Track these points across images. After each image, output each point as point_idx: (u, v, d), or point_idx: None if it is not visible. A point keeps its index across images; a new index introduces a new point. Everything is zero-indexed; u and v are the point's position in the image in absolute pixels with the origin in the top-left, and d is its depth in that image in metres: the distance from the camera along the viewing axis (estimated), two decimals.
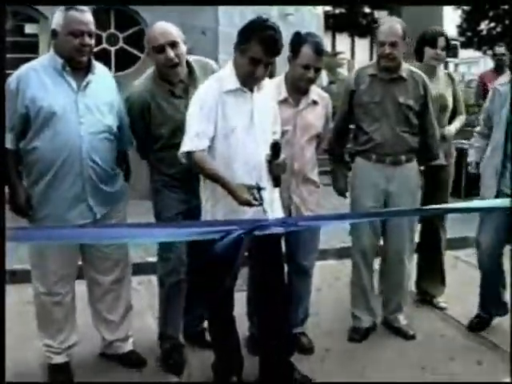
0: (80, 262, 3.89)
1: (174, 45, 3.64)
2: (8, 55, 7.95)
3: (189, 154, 3.32)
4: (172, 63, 3.65)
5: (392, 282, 4.50)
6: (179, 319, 4.07)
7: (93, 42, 3.55)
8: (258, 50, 3.21)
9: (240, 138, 3.34)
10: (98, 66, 3.72)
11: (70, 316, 3.85)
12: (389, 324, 4.56)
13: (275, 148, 3.38)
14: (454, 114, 4.88)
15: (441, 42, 4.73)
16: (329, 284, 5.52)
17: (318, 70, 3.85)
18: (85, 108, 3.53)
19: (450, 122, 4.84)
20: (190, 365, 4.03)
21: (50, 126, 3.47)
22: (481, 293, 4.51)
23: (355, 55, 28.71)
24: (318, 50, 3.78)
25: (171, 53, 3.62)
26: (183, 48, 3.70)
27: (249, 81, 3.34)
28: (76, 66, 3.54)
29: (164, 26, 3.70)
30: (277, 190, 3.60)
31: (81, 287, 3.96)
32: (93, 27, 3.53)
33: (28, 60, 3.67)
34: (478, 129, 4.56)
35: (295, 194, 3.98)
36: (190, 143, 3.31)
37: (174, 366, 3.97)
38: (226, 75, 3.38)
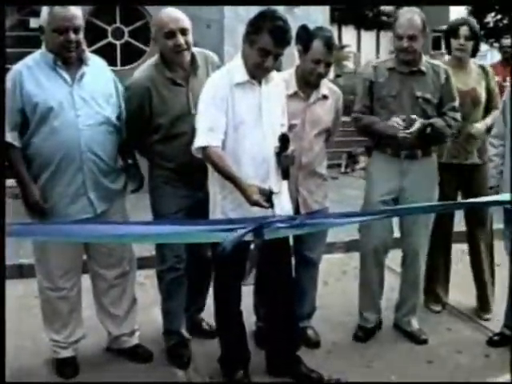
0: (84, 257, 3.88)
1: (184, 31, 3.59)
2: (13, 49, 7.97)
3: (204, 149, 3.30)
4: (181, 49, 3.60)
5: (408, 280, 4.41)
6: (182, 313, 4.07)
7: (81, 36, 3.48)
8: (267, 40, 3.20)
9: (248, 131, 3.33)
10: (93, 58, 3.69)
11: (76, 311, 3.84)
12: (400, 327, 4.45)
13: (283, 140, 3.38)
14: (489, 110, 4.61)
15: (463, 31, 4.47)
16: (336, 277, 5.51)
17: (328, 65, 3.82)
18: (81, 100, 3.51)
19: (484, 118, 4.59)
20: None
21: (47, 121, 3.45)
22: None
23: (361, 48, 28.61)
24: (329, 45, 3.75)
25: (181, 39, 3.57)
26: (191, 36, 3.67)
27: (258, 72, 3.33)
28: (67, 61, 3.51)
29: (175, 12, 3.66)
30: (285, 182, 3.59)
31: (87, 281, 3.95)
32: (79, 21, 3.45)
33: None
34: (495, 130, 4.30)
35: (302, 186, 3.96)
36: (204, 138, 3.30)
37: (180, 361, 3.97)
38: (235, 68, 3.37)
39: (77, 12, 3.46)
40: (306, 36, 3.80)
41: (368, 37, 28.46)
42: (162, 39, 3.63)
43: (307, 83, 3.89)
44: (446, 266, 4.83)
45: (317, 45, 3.74)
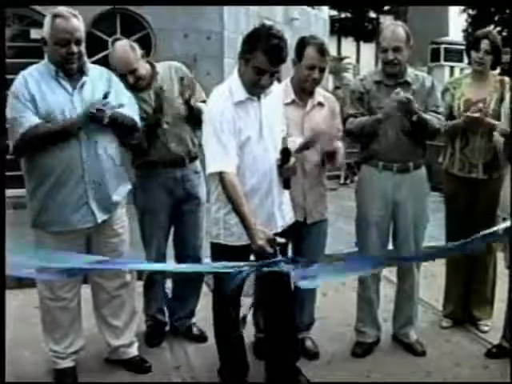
0: None
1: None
2: (14, 60, 8.00)
3: (219, 173, 3.27)
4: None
5: (402, 291, 4.43)
6: (161, 303, 4.45)
7: (82, 47, 3.53)
8: (262, 60, 3.18)
9: (252, 147, 3.35)
10: (93, 68, 3.72)
11: (76, 321, 3.85)
12: (399, 339, 4.46)
13: (285, 153, 3.42)
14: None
15: (484, 44, 4.43)
16: (335, 289, 5.50)
17: (322, 71, 3.88)
18: (81, 109, 3.52)
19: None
20: (178, 358, 4.22)
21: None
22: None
23: (361, 60, 28.72)
24: (322, 50, 3.83)
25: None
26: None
27: (255, 90, 3.34)
28: (69, 72, 3.54)
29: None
30: (286, 192, 3.62)
31: (87, 292, 3.96)
32: (80, 34, 3.50)
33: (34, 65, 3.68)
34: None
35: (309, 195, 4.01)
36: (219, 163, 3.27)
37: (154, 339, 4.37)
38: (234, 87, 3.36)
39: (78, 24, 3.50)
40: (298, 45, 3.89)
41: (367, 48, 28.60)
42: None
43: (303, 90, 3.95)
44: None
45: (310, 51, 3.82)
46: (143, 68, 4.07)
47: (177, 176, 4.15)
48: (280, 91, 3.72)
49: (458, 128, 4.45)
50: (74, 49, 3.48)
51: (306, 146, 3.79)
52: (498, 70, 4.77)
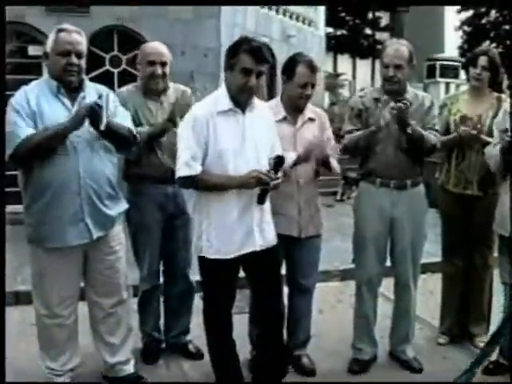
0: (82, 285, 3.89)
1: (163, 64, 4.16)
2: (12, 76, 8.02)
3: (186, 178, 3.42)
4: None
5: (399, 308, 4.43)
6: (157, 320, 4.49)
7: (82, 62, 3.59)
8: (247, 59, 3.32)
9: (232, 157, 3.41)
10: (90, 85, 3.75)
11: (72, 338, 3.84)
12: (396, 356, 4.46)
13: (278, 160, 3.41)
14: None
15: (481, 61, 4.49)
16: (331, 305, 5.51)
17: (313, 86, 3.98)
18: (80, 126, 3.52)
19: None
20: (174, 375, 4.24)
21: None
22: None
23: (357, 76, 28.82)
24: (312, 67, 3.94)
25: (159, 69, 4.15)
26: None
27: (243, 95, 3.41)
28: (69, 86, 3.58)
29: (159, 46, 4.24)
30: (268, 212, 3.63)
31: (84, 309, 3.95)
32: (82, 47, 3.58)
33: (32, 81, 3.71)
34: None
35: (304, 209, 4.05)
36: (184, 169, 3.41)
37: (150, 356, 4.38)
38: (219, 97, 3.47)
39: (81, 38, 3.58)
40: (289, 64, 3.98)
41: (363, 65, 28.75)
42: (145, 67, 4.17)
43: (295, 107, 4.02)
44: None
45: (301, 69, 3.91)
46: (168, 70, 4.21)
47: (168, 192, 4.18)
48: (269, 109, 3.76)
49: (454, 143, 4.47)
50: (75, 60, 3.54)
51: (299, 162, 3.85)
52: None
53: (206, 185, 3.42)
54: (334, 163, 4.08)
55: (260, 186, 3.35)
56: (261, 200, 3.45)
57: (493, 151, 4.08)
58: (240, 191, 3.42)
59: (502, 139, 3.92)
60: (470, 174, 4.52)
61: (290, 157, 3.81)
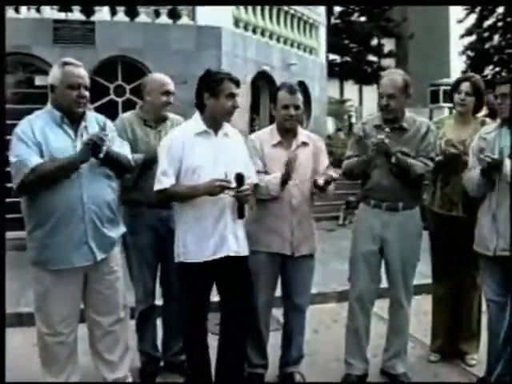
0: (82, 306, 4.01)
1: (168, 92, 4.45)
2: (19, 106, 8.23)
3: (161, 191, 3.78)
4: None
5: (393, 327, 4.54)
6: (154, 339, 4.63)
7: (87, 93, 3.78)
8: (231, 85, 3.78)
9: (205, 174, 3.73)
10: (90, 114, 3.92)
11: (73, 356, 3.95)
12: (385, 371, 4.56)
13: (239, 179, 3.69)
14: None
15: (464, 87, 4.65)
16: (327, 326, 5.59)
17: (297, 108, 4.20)
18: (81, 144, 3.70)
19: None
20: None
21: None
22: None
23: (363, 102, 28.99)
24: (291, 90, 4.21)
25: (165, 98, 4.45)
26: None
27: (227, 117, 3.84)
28: (73, 117, 3.76)
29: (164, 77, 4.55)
30: (242, 227, 3.90)
31: (84, 330, 4.06)
32: (87, 80, 3.79)
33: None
34: None
35: (297, 230, 4.21)
36: (156, 184, 3.80)
37: (148, 375, 4.50)
38: (195, 121, 3.87)
39: (84, 71, 3.80)
40: (273, 94, 4.31)
41: (370, 91, 28.89)
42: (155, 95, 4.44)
43: (286, 130, 4.25)
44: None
45: (281, 94, 4.21)
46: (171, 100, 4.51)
47: (162, 217, 4.35)
48: (238, 134, 4.06)
49: (439, 165, 4.56)
50: (85, 93, 3.74)
51: (284, 180, 4.06)
52: (483, 112, 4.95)
53: (177, 195, 3.80)
54: (330, 188, 4.20)
55: (225, 193, 3.67)
56: (240, 214, 3.81)
57: (470, 174, 4.21)
58: (214, 201, 3.72)
59: (480, 160, 4.04)
60: (455, 196, 4.64)
61: (274, 177, 4.06)
